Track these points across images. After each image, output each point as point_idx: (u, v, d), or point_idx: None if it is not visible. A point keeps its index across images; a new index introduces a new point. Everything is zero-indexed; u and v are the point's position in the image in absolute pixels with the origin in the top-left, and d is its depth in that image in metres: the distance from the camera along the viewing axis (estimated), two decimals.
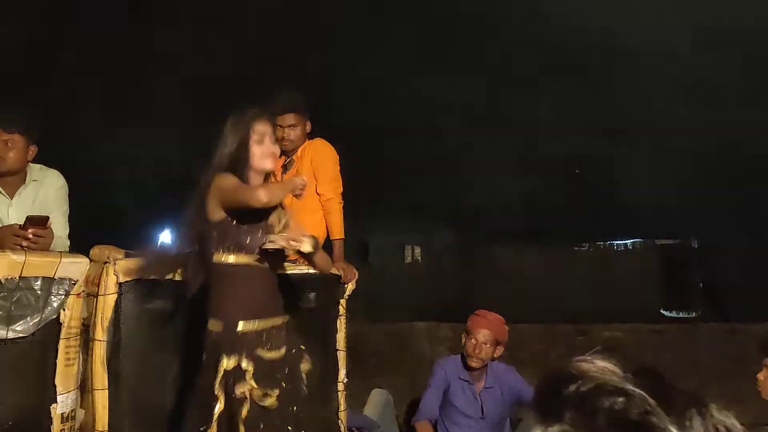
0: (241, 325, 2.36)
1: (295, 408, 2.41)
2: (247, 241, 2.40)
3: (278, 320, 2.47)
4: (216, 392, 2.31)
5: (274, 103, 3.77)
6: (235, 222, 2.41)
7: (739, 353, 5.31)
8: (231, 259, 2.40)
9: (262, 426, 2.31)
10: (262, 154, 2.47)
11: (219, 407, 2.30)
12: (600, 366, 0.73)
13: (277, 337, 2.43)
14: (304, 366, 2.53)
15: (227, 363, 2.32)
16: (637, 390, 0.68)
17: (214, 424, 2.30)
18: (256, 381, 2.32)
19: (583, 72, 8.55)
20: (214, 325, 2.40)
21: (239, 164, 2.46)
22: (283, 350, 2.44)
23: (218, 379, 2.31)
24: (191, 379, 2.79)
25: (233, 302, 2.39)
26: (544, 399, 0.73)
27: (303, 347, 2.57)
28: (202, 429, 2.32)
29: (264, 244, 2.38)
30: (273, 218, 2.51)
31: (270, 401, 2.32)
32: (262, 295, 2.45)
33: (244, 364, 2.32)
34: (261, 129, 2.49)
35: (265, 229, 2.46)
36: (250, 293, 2.42)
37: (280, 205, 2.54)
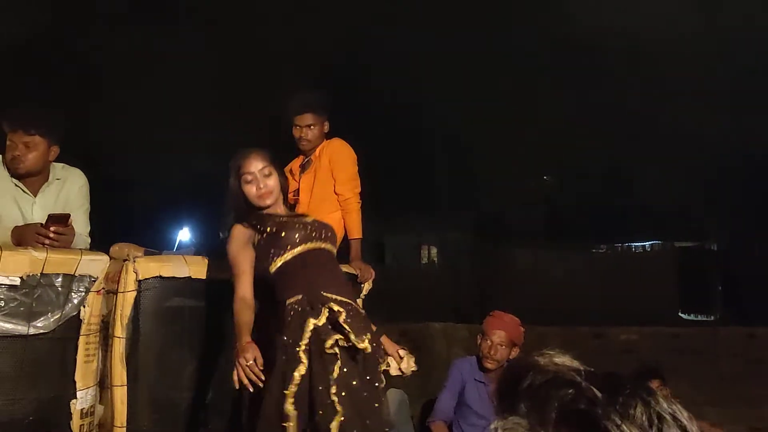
0: (322, 289, 2.44)
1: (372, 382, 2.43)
2: (285, 241, 2.53)
3: (352, 303, 2.52)
4: (300, 355, 2.31)
5: (293, 102, 3.79)
6: (264, 243, 2.55)
7: (758, 357, 5.26)
8: (280, 262, 2.50)
9: (354, 383, 2.34)
10: (256, 194, 2.60)
11: (301, 370, 2.30)
12: (557, 360, 0.76)
13: (356, 319, 2.44)
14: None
15: (315, 321, 2.35)
16: (585, 382, 0.70)
17: (293, 387, 2.29)
18: (349, 326, 2.35)
19: (605, 73, 8.50)
20: (290, 298, 2.44)
21: (244, 207, 2.62)
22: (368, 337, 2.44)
23: (304, 341, 2.33)
24: (209, 375, 2.82)
25: (304, 279, 2.47)
26: (502, 391, 0.76)
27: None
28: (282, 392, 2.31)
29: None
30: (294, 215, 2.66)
31: (364, 344, 2.35)
32: (330, 276, 2.56)
33: (335, 309, 2.37)
34: (248, 169, 2.61)
35: (290, 223, 2.60)
36: (317, 273, 2.51)
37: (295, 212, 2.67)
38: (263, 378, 2.28)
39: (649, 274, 10.44)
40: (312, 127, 3.71)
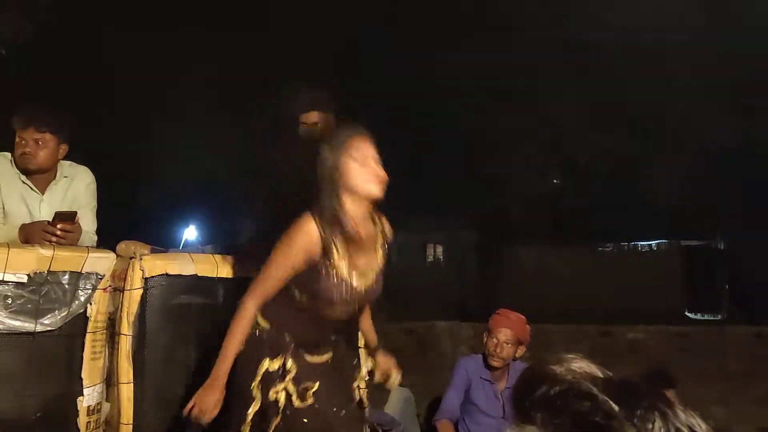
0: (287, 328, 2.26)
1: (334, 411, 2.27)
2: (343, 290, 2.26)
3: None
4: (253, 392, 2.23)
5: (298, 100, 3.78)
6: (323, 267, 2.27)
7: (765, 357, 5.24)
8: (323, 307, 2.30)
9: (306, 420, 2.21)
10: (367, 179, 2.22)
11: (254, 407, 2.22)
12: (575, 367, 0.74)
13: (324, 342, 2.33)
14: (357, 372, 2.46)
15: (269, 364, 2.23)
16: (602, 395, 0.69)
17: (247, 425, 2.22)
18: (294, 382, 2.22)
19: (611, 71, 8.48)
20: (261, 322, 2.30)
21: (332, 193, 2.23)
22: (329, 354, 2.33)
23: (257, 380, 2.23)
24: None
25: (282, 303, 2.28)
26: (517, 399, 0.75)
27: (357, 350, 2.53)
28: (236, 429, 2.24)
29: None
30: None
31: (301, 403, 2.21)
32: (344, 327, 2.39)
33: (288, 365, 2.23)
34: (363, 150, 2.22)
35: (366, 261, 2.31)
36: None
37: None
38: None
39: (655, 272, 10.40)
40: (318, 125, 3.71)
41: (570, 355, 0.77)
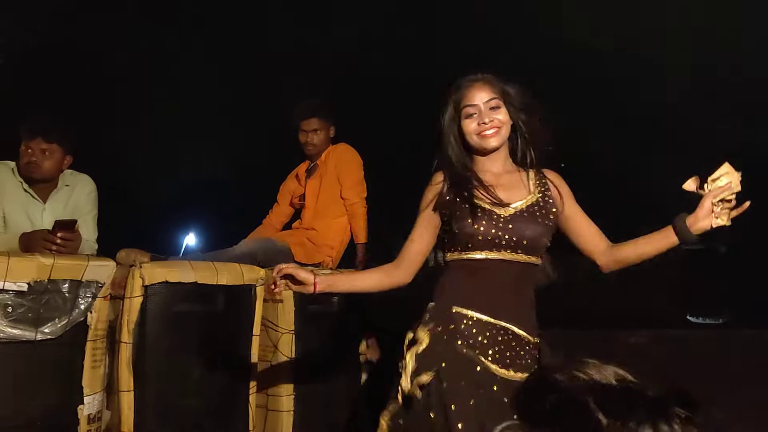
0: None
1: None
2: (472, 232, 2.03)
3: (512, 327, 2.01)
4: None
5: (299, 107, 3.80)
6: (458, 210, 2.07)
7: (766, 361, 5.22)
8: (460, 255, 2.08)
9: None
10: (476, 130, 2.07)
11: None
12: (583, 374, 0.75)
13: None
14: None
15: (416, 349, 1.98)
16: (594, 406, 0.69)
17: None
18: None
19: (606, 73, 8.50)
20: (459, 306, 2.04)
21: (456, 150, 2.13)
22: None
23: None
24: (216, 380, 2.82)
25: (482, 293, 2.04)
26: (519, 403, 0.77)
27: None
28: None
29: None
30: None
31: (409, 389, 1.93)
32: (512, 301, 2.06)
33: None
34: (470, 101, 2.08)
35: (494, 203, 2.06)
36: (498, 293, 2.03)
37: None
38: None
39: (656, 277, 10.40)
40: (318, 131, 3.72)
41: (588, 360, 0.77)
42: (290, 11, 6.45)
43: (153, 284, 2.61)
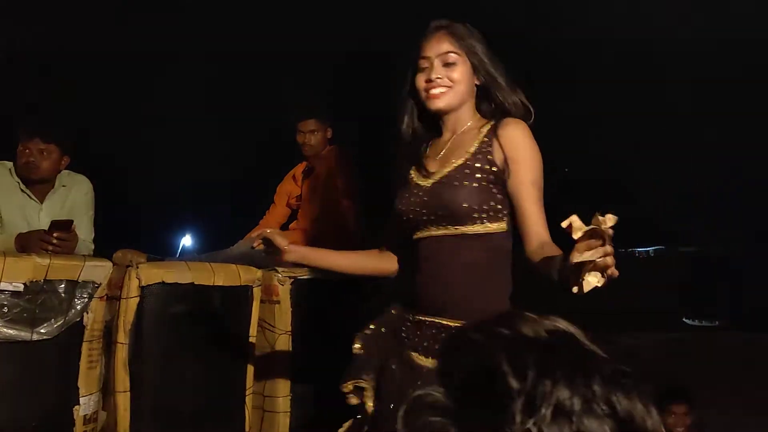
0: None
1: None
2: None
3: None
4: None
5: (296, 108, 3.81)
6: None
7: (762, 364, 5.24)
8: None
9: None
10: (424, 87, 1.81)
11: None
12: (508, 331, 0.65)
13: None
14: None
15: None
16: (507, 368, 0.60)
17: None
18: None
19: (604, 76, 8.50)
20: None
21: (411, 109, 1.90)
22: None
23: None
24: (212, 381, 2.82)
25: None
26: (438, 361, 0.68)
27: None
28: None
29: None
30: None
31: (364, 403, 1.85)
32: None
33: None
34: (425, 52, 1.81)
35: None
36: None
37: None
38: None
39: (652, 279, 10.42)
40: (315, 132, 3.72)
41: (524, 312, 0.69)
42: (290, 11, 6.45)
43: (149, 285, 2.61)
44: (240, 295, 2.90)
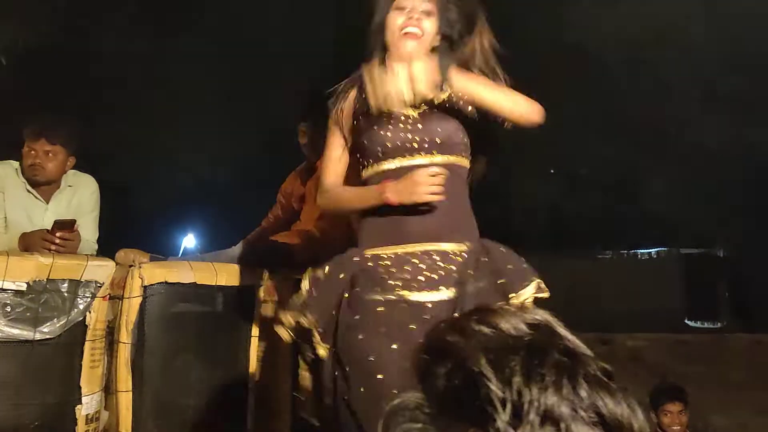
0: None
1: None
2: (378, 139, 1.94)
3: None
4: None
5: (297, 108, 3.80)
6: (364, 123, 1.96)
7: (765, 365, 5.23)
8: (370, 170, 1.97)
9: None
10: (400, 26, 1.89)
11: None
12: (488, 329, 0.63)
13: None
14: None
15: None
16: (487, 371, 0.58)
17: None
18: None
19: (609, 79, 8.50)
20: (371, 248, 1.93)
21: (379, 50, 1.94)
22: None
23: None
24: (214, 381, 2.82)
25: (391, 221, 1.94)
26: (416, 363, 0.65)
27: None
28: None
29: None
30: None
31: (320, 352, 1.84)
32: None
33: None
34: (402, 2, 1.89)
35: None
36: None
37: None
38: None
39: (655, 280, 10.40)
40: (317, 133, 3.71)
41: (497, 307, 0.67)
42: (290, 12, 6.45)
43: (152, 284, 2.61)
44: (242, 295, 2.90)
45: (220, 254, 3.25)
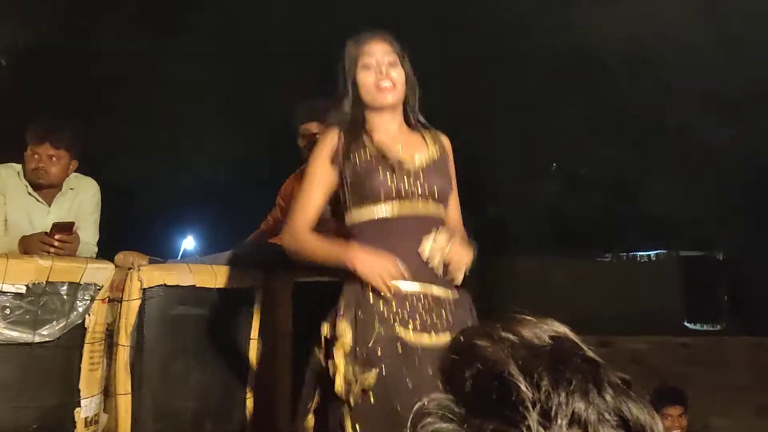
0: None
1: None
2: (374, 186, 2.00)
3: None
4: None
5: (298, 111, 3.79)
6: (353, 173, 2.02)
7: (766, 367, 5.23)
8: (361, 218, 2.03)
9: None
10: (374, 83, 2.03)
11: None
12: (514, 337, 0.64)
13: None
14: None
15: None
16: (517, 379, 0.60)
17: None
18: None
19: (609, 80, 8.50)
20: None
21: (354, 105, 2.07)
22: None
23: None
24: (213, 383, 2.81)
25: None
26: (442, 370, 0.66)
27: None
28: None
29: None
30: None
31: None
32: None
33: None
34: (368, 52, 2.04)
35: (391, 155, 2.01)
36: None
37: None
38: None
39: (654, 283, 10.39)
40: (317, 135, 3.71)
41: (519, 315, 0.68)
42: (291, 12, 6.45)
43: (151, 287, 2.61)
44: (241, 298, 2.90)
45: (219, 257, 3.25)
